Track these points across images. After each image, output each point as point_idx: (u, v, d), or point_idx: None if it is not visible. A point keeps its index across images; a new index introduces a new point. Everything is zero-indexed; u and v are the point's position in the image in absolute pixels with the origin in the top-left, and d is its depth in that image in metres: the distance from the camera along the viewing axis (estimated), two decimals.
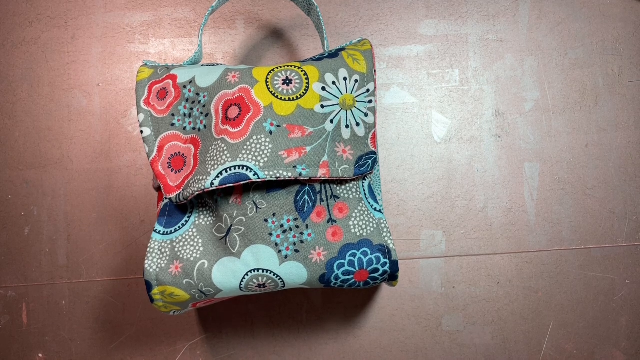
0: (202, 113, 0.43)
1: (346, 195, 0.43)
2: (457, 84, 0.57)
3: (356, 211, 0.43)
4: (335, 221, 0.42)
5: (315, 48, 0.58)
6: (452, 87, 0.57)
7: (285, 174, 0.41)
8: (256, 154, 0.41)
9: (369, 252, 0.42)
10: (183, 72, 0.45)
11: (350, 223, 0.43)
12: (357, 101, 0.44)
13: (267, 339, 0.55)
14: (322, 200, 0.43)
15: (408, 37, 0.58)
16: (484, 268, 0.56)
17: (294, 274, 0.42)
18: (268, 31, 0.58)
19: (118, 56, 0.58)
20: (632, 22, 0.58)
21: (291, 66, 0.44)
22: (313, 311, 0.55)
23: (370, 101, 0.44)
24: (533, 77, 0.57)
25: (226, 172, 0.40)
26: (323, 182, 0.43)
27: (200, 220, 0.43)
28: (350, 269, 0.42)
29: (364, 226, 0.43)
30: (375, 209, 0.44)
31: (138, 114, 0.44)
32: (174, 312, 0.45)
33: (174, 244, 0.43)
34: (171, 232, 0.43)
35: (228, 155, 0.41)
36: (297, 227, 0.42)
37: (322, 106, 0.43)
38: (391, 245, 0.43)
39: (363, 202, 0.44)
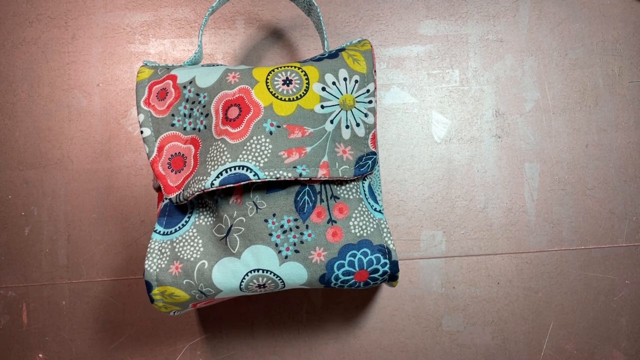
0: (202, 113, 0.43)
1: (346, 196, 0.43)
2: (457, 84, 0.57)
3: (356, 211, 0.43)
4: (335, 221, 0.42)
5: (316, 48, 0.58)
6: (452, 88, 0.57)
7: (285, 174, 0.41)
8: (256, 154, 0.41)
9: (369, 252, 0.42)
10: (183, 73, 0.45)
11: (351, 223, 0.43)
12: (357, 101, 0.44)
13: (267, 339, 0.55)
14: (322, 200, 0.43)
15: (408, 38, 0.58)
16: (484, 268, 0.56)
17: (294, 274, 0.42)
18: (268, 31, 0.58)
19: (118, 56, 0.58)
20: (632, 23, 0.58)
21: (291, 66, 0.44)
22: (313, 311, 0.55)
23: (370, 101, 0.44)
24: (533, 77, 0.57)
25: (226, 172, 0.40)
26: (323, 182, 0.43)
27: (201, 221, 0.43)
28: (351, 269, 0.42)
29: (364, 226, 0.43)
30: (375, 210, 0.44)
31: (138, 114, 0.44)
32: (174, 313, 0.45)
33: (174, 244, 0.43)
34: (171, 233, 0.43)
35: (228, 156, 0.41)
36: (297, 227, 0.42)
37: (322, 106, 0.43)
38: (391, 246, 0.43)
39: (363, 202, 0.44)
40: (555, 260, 0.56)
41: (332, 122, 0.43)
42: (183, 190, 0.42)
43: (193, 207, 0.44)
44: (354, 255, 0.42)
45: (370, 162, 0.44)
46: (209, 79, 0.44)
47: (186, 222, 0.44)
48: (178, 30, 0.58)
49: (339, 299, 0.55)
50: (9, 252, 0.56)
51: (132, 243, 0.56)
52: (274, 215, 0.42)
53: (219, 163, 0.41)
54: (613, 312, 0.55)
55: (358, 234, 0.42)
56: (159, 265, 0.42)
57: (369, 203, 0.44)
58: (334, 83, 0.44)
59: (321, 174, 0.42)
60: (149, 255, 0.43)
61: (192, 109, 0.44)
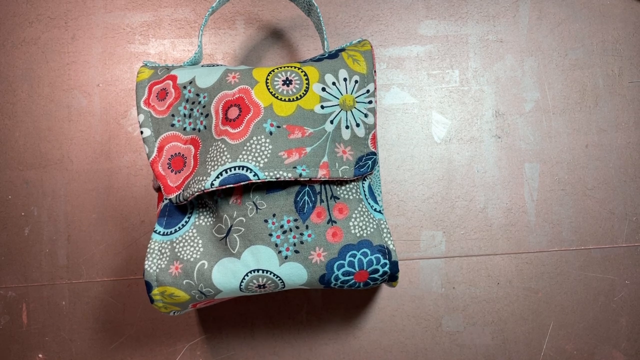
0: (202, 114, 0.43)
1: (346, 196, 0.43)
2: (457, 84, 0.57)
3: (356, 212, 0.43)
4: (335, 222, 0.42)
5: (315, 48, 0.58)
6: (452, 88, 0.57)
7: (285, 174, 0.41)
8: (256, 154, 0.41)
9: (369, 252, 0.42)
10: (183, 73, 0.45)
11: (350, 224, 0.43)
12: (357, 102, 0.44)
13: (267, 340, 0.55)
14: (322, 200, 0.43)
15: (408, 38, 0.58)
16: (484, 269, 0.56)
17: (294, 274, 0.42)
18: (268, 32, 0.58)
19: (118, 56, 0.58)
20: (632, 23, 0.58)
21: (291, 67, 0.44)
22: (313, 312, 0.55)
23: (370, 102, 0.44)
24: (533, 77, 0.57)
25: (226, 172, 0.40)
26: (323, 182, 0.43)
27: (200, 221, 0.43)
28: (350, 269, 0.42)
29: (364, 227, 0.43)
30: (375, 210, 0.44)
31: (138, 115, 0.44)
32: (174, 313, 0.45)
33: (174, 244, 0.43)
34: (171, 233, 0.43)
35: (228, 156, 0.41)
36: (297, 227, 0.42)
37: (322, 107, 0.43)
38: (391, 246, 0.43)
39: (363, 202, 0.44)
40: (555, 261, 0.56)
41: (332, 122, 0.43)
42: (183, 191, 0.42)
43: (193, 207, 0.44)
44: (354, 256, 0.42)
45: (370, 162, 0.44)
46: (209, 79, 0.44)
47: (186, 222, 0.44)
48: (178, 31, 0.58)
49: (338, 300, 0.55)
50: (9, 252, 0.56)
51: (132, 243, 0.56)
52: (273, 215, 0.42)
53: (218, 163, 0.41)
54: (613, 312, 0.55)
55: (358, 234, 0.42)
56: (159, 266, 0.42)
57: (369, 203, 0.44)
58: (334, 83, 0.44)
59: (321, 174, 0.42)
60: (148, 255, 0.43)
61: (192, 109, 0.44)
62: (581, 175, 0.56)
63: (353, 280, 0.43)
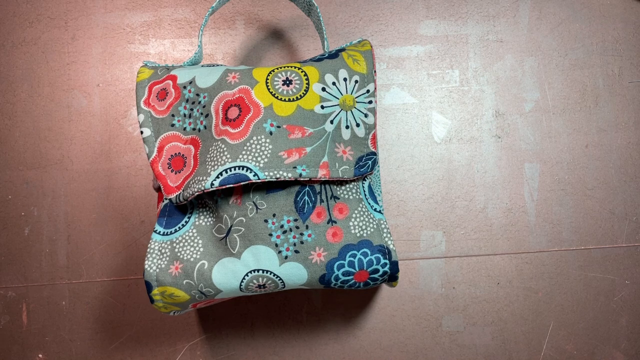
0: (202, 114, 0.43)
1: (346, 196, 0.43)
2: (457, 84, 0.57)
3: (356, 212, 0.43)
4: (335, 222, 0.42)
5: (316, 48, 0.58)
6: (452, 88, 0.57)
7: (285, 174, 0.41)
8: (256, 154, 0.41)
9: (369, 252, 0.42)
10: (183, 73, 0.45)
11: (350, 224, 0.43)
12: (357, 102, 0.44)
13: (267, 340, 0.55)
14: (322, 200, 0.43)
15: (408, 38, 0.58)
16: (484, 269, 0.56)
17: (294, 274, 0.42)
18: (268, 32, 0.58)
19: (118, 56, 0.58)
20: (632, 23, 0.58)
21: (291, 67, 0.44)
22: (313, 312, 0.55)
23: (370, 102, 0.44)
24: (533, 77, 0.57)
25: (226, 172, 0.40)
26: (323, 182, 0.43)
27: (200, 221, 0.43)
28: (350, 269, 0.42)
29: (364, 227, 0.43)
30: (375, 210, 0.44)
31: (138, 115, 0.44)
32: (174, 313, 0.45)
33: (174, 244, 0.43)
34: (171, 233, 0.43)
35: (228, 156, 0.41)
36: (297, 227, 0.42)
37: (322, 107, 0.43)
38: (391, 246, 0.43)
39: (363, 202, 0.44)
40: (555, 261, 0.56)
41: (332, 122, 0.43)
42: (183, 191, 0.42)
43: (193, 207, 0.44)
44: (354, 256, 0.42)
45: (370, 162, 0.44)
46: (209, 79, 0.44)
47: (186, 222, 0.44)
48: (178, 31, 0.58)
49: (339, 300, 0.55)
50: (9, 252, 0.56)
51: (132, 243, 0.56)
52: (273, 215, 0.42)
53: (219, 163, 0.41)
54: (613, 312, 0.55)
55: (358, 234, 0.42)
56: (159, 266, 0.42)
57: (369, 203, 0.44)
58: (334, 83, 0.44)
59: (321, 174, 0.42)
60: (148, 255, 0.43)
61: (192, 109, 0.44)
62: (581, 175, 0.56)
63: (353, 280, 0.43)
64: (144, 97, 0.45)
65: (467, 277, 0.55)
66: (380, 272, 0.43)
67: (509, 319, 0.55)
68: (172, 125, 0.44)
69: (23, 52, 0.58)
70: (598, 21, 0.58)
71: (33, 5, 0.58)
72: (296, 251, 0.42)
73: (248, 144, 0.41)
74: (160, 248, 0.43)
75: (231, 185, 0.40)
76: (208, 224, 0.43)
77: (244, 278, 0.42)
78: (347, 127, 0.44)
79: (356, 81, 0.44)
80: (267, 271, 0.42)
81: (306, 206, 0.42)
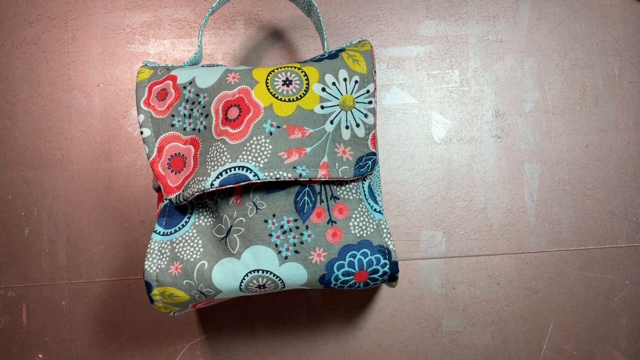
0: (202, 114, 0.43)
1: (346, 196, 0.43)
2: (457, 84, 0.57)
3: (356, 212, 0.43)
4: (335, 222, 0.42)
5: (315, 49, 0.58)
6: (452, 88, 0.57)
7: (285, 174, 0.41)
8: (256, 154, 0.41)
9: (368, 253, 0.42)
10: (183, 73, 0.45)
11: (350, 224, 0.43)
12: (357, 102, 0.44)
13: (267, 340, 0.55)
14: (322, 201, 0.43)
15: (408, 38, 0.58)
16: (484, 269, 0.56)
17: (294, 274, 0.42)
18: (268, 32, 0.58)
19: (118, 57, 0.58)
20: (632, 23, 0.58)
21: (291, 67, 0.44)
22: (313, 312, 0.55)
23: (370, 102, 0.44)
24: (533, 77, 0.57)
25: (226, 173, 0.40)
26: (323, 183, 0.43)
27: (200, 221, 0.43)
28: (350, 269, 0.42)
29: (363, 227, 0.43)
30: (375, 210, 0.44)
31: (138, 115, 0.44)
32: (174, 313, 0.45)
33: (174, 244, 0.43)
34: (171, 233, 0.43)
35: (228, 156, 0.41)
36: (297, 227, 0.42)
37: (322, 107, 0.43)
38: (391, 246, 0.43)
39: (363, 203, 0.44)
40: (555, 261, 0.56)
41: (332, 122, 0.43)
42: (183, 191, 0.42)
43: (193, 207, 0.44)
44: (354, 256, 0.42)
45: (370, 162, 0.44)
46: (209, 79, 0.44)
47: (186, 222, 0.44)
48: (178, 31, 0.58)
49: (338, 300, 0.55)
50: (9, 252, 0.56)
51: (132, 243, 0.56)
52: (273, 215, 0.42)
53: (218, 163, 0.41)
54: (613, 312, 0.55)
55: (358, 235, 0.42)
56: (159, 266, 0.42)
57: (369, 203, 0.44)
58: (334, 83, 0.44)
59: (321, 174, 0.42)
60: (148, 255, 0.43)
61: (192, 110, 0.44)
62: (581, 175, 0.56)
63: (353, 281, 0.43)
64: (144, 97, 0.45)
65: (467, 277, 0.55)
66: (380, 273, 0.43)
67: (509, 319, 0.55)
68: (172, 125, 0.44)
69: (23, 52, 0.58)
70: (598, 21, 0.58)
71: (33, 5, 0.58)
72: (296, 251, 0.42)
73: (248, 144, 0.41)
74: (160, 248, 0.43)
75: (231, 186, 0.40)
76: (208, 224, 0.43)
77: (243, 278, 0.42)
78: (347, 127, 0.44)
79: (356, 81, 0.44)
80: (267, 271, 0.42)
81: (306, 206, 0.42)
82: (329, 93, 0.43)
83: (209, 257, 0.42)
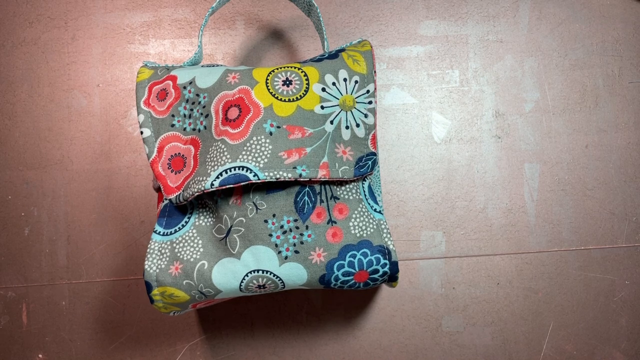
0: (202, 114, 0.43)
1: (346, 196, 0.43)
2: (457, 84, 0.57)
3: (356, 212, 0.43)
4: (335, 222, 0.42)
5: (316, 49, 0.58)
6: (452, 88, 0.57)
7: (285, 174, 0.41)
8: (256, 154, 0.41)
9: (368, 253, 0.42)
10: (183, 73, 0.45)
11: (350, 224, 0.43)
12: (357, 102, 0.44)
13: (267, 340, 0.55)
14: (322, 201, 0.43)
15: (408, 38, 0.58)
16: (484, 269, 0.56)
17: (294, 274, 0.42)
18: (268, 32, 0.58)
19: (118, 57, 0.58)
20: (632, 23, 0.58)
21: (291, 67, 0.44)
22: (313, 312, 0.55)
23: (370, 102, 0.44)
24: (533, 78, 0.57)
25: (226, 173, 0.40)
26: (323, 183, 0.43)
27: (200, 221, 0.43)
28: (350, 269, 0.42)
29: (363, 227, 0.43)
30: (375, 210, 0.44)
31: (138, 115, 0.44)
32: (174, 313, 0.45)
33: (174, 244, 0.43)
34: (171, 233, 0.43)
35: (228, 156, 0.41)
36: (297, 228, 0.42)
37: (322, 107, 0.43)
38: (391, 246, 0.43)
39: (363, 203, 0.44)
40: (555, 261, 0.56)
41: (332, 122, 0.43)
42: (183, 191, 0.42)
43: (193, 207, 0.44)
44: (354, 256, 0.42)
45: (370, 162, 0.44)
46: (209, 79, 0.44)
47: (186, 222, 0.44)
48: (178, 31, 0.58)
49: (338, 300, 0.55)
50: (9, 252, 0.56)
51: (132, 243, 0.56)
52: (273, 215, 0.42)
53: (218, 164, 0.41)
54: (613, 312, 0.55)
55: (358, 235, 0.42)
56: (159, 266, 0.42)
57: (369, 203, 0.44)
58: (334, 84, 0.44)
59: (321, 174, 0.42)
60: (148, 255, 0.43)
61: (192, 110, 0.44)
62: (581, 175, 0.56)
63: (353, 281, 0.43)
64: (144, 97, 0.45)
65: (467, 277, 0.55)
66: (380, 273, 0.43)
67: (509, 319, 0.55)
68: (172, 125, 0.44)
69: (23, 52, 0.58)
70: (598, 21, 0.58)
71: (33, 5, 0.58)
72: (296, 251, 0.42)
73: (248, 144, 0.41)
74: (160, 248, 0.43)
75: (231, 186, 0.40)
76: (208, 224, 0.43)
77: (243, 278, 0.42)
78: (347, 127, 0.44)
79: (356, 81, 0.44)
80: (267, 271, 0.42)
81: (306, 206, 0.42)
82: (329, 93, 0.43)
83: (209, 257, 0.42)
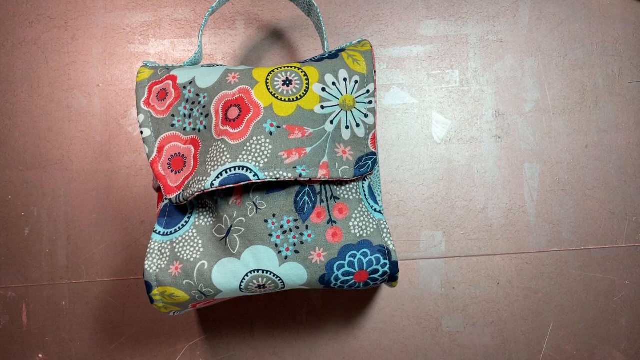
0: (202, 114, 0.43)
1: (346, 196, 0.43)
2: (457, 84, 0.57)
3: (356, 212, 0.43)
4: (335, 222, 0.42)
5: (316, 49, 0.58)
6: (452, 88, 0.57)
7: (285, 174, 0.41)
8: (256, 154, 0.41)
9: (368, 252, 0.42)
10: (183, 73, 0.45)
11: (350, 224, 0.43)
12: (357, 102, 0.44)
13: (267, 340, 0.55)
14: (322, 201, 0.43)
15: (408, 38, 0.58)
16: (484, 269, 0.56)
17: (294, 274, 0.42)
18: (268, 32, 0.58)
19: (118, 57, 0.58)
20: (632, 23, 0.58)
21: (291, 67, 0.44)
22: (313, 312, 0.55)
23: (370, 102, 0.44)
24: (533, 77, 0.57)
25: (226, 172, 0.40)
26: (323, 182, 0.43)
27: (200, 221, 0.43)
28: (350, 269, 0.42)
29: (364, 227, 0.43)
30: (375, 210, 0.44)
31: (138, 115, 0.44)
32: (174, 313, 0.45)
33: (174, 244, 0.43)
34: (171, 233, 0.43)
35: (228, 156, 0.41)
36: (297, 227, 0.42)
37: (322, 107, 0.43)
38: (391, 246, 0.43)
39: (363, 202, 0.44)
40: (555, 261, 0.56)
41: (332, 122, 0.43)
42: (183, 191, 0.42)
43: (193, 207, 0.44)
44: (354, 256, 0.42)
45: (370, 162, 0.44)
46: (209, 79, 0.44)
47: (186, 222, 0.44)
48: (178, 31, 0.58)
49: (338, 300, 0.55)
50: (9, 252, 0.56)
51: (132, 243, 0.56)
52: (273, 215, 0.42)
53: (218, 163, 0.41)
54: (613, 312, 0.55)
55: (358, 235, 0.42)
56: (159, 266, 0.42)
57: (369, 203, 0.44)
58: (334, 83, 0.44)
59: (321, 174, 0.42)
60: (148, 255, 0.43)
61: (192, 110, 0.44)
62: (581, 175, 0.56)
63: (353, 281, 0.43)
64: (144, 97, 0.45)
65: (467, 277, 0.55)
66: (380, 272, 0.43)
67: (509, 319, 0.55)
68: (172, 125, 0.44)
69: (23, 52, 0.58)
70: (598, 21, 0.58)
71: (33, 5, 0.58)
72: (296, 251, 0.42)
73: (248, 144, 0.41)
74: (160, 248, 0.43)
75: (231, 186, 0.40)
76: (208, 224, 0.43)
77: (243, 278, 0.42)
78: (347, 127, 0.44)
79: (356, 81, 0.44)
80: (267, 271, 0.42)
81: (306, 206, 0.42)
82: (329, 93, 0.43)
83: (209, 257, 0.42)
